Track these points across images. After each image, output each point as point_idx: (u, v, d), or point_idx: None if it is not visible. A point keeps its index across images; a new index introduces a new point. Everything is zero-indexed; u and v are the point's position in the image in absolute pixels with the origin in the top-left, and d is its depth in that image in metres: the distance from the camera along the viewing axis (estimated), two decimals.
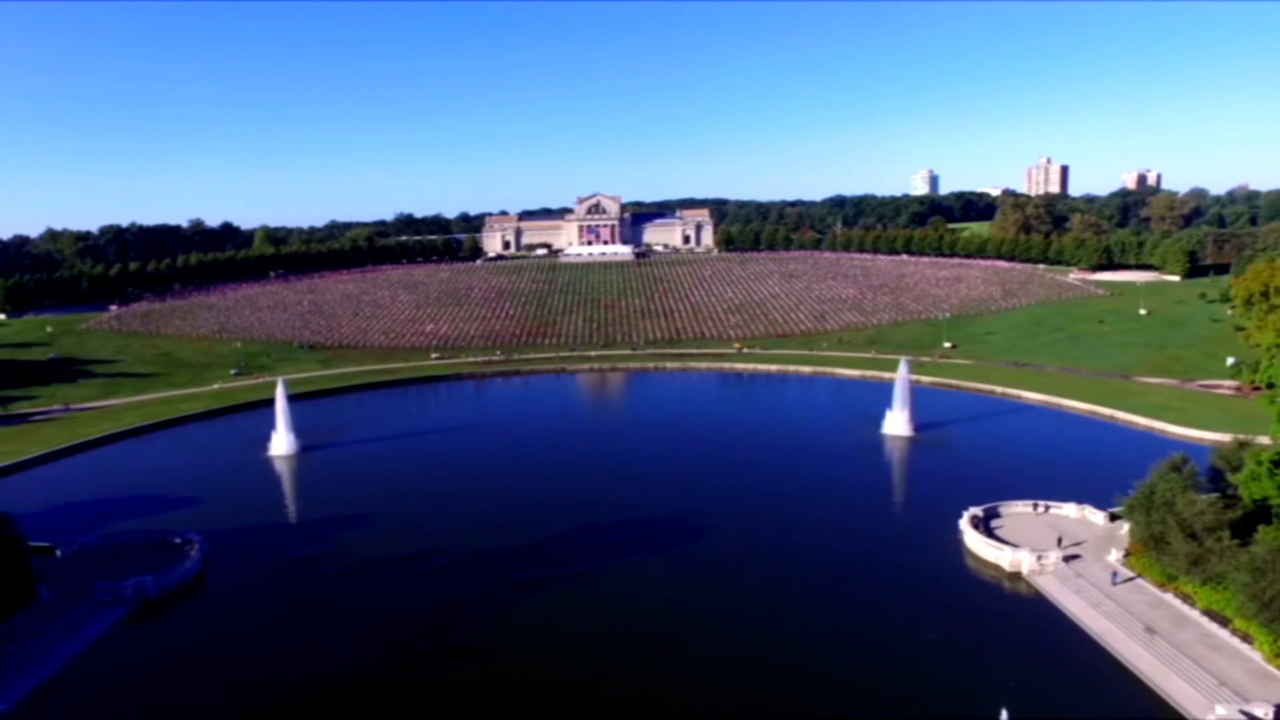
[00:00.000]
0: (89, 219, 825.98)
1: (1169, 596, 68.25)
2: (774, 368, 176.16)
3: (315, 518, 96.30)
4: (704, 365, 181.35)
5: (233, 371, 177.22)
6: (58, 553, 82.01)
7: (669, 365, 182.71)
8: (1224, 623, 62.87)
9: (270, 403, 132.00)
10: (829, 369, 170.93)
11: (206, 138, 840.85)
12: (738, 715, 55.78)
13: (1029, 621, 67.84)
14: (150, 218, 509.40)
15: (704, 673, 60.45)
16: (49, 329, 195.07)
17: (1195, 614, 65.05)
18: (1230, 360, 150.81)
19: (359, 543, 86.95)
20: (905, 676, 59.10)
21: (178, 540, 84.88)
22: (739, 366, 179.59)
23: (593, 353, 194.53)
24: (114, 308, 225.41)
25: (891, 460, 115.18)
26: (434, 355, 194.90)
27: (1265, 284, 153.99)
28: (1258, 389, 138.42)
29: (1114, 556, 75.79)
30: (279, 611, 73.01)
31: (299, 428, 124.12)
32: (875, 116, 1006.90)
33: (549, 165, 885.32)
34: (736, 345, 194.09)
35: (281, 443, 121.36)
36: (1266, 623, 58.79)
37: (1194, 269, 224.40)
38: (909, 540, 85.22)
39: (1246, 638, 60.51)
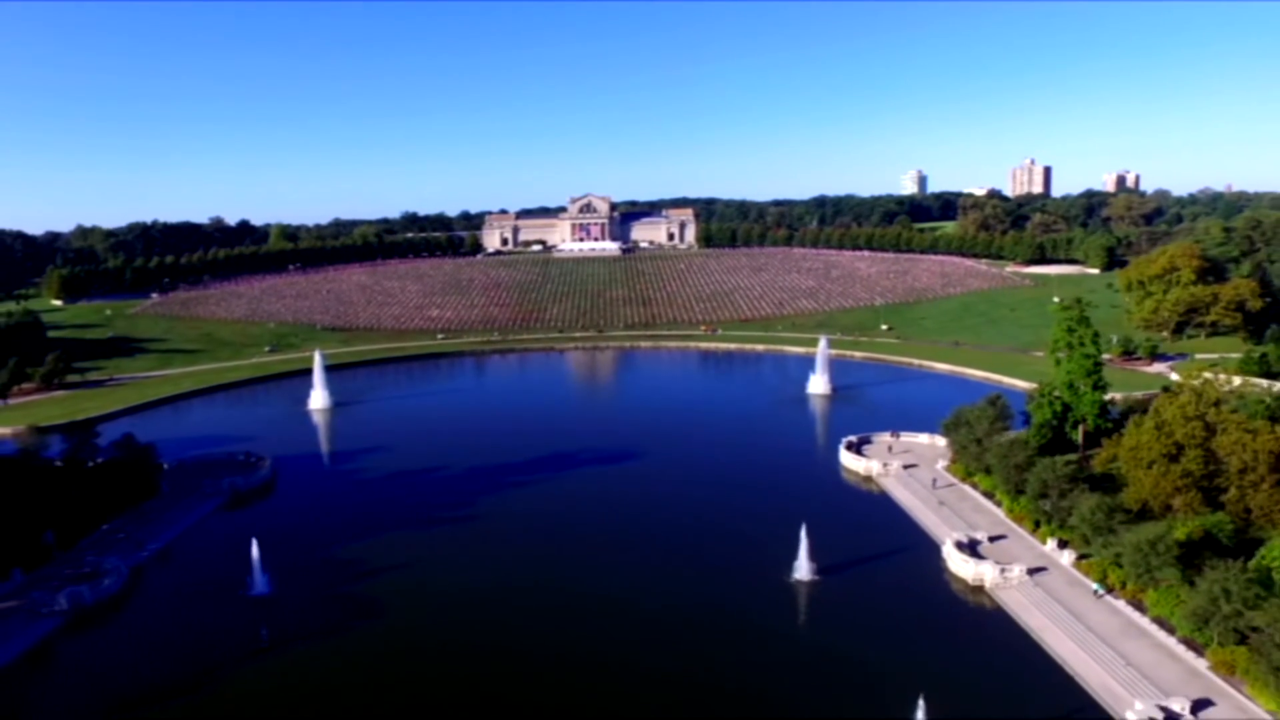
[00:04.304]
0: (99, 215, 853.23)
1: (965, 486, 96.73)
2: (733, 346, 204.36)
3: (351, 448, 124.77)
4: (673, 344, 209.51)
5: (266, 349, 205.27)
6: (165, 465, 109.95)
7: (643, 345, 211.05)
8: (990, 496, 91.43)
9: (302, 373, 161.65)
10: (779, 347, 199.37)
11: (215, 139, 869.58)
12: (659, 540, 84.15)
13: (864, 501, 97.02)
14: (155, 215, 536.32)
15: (633, 526, 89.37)
16: (108, 312, 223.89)
17: (975, 493, 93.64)
18: (1114, 338, 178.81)
19: (386, 462, 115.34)
20: (758, 527, 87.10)
21: (252, 459, 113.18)
22: (703, 345, 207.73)
23: (578, 334, 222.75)
24: (155, 295, 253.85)
25: (806, 410, 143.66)
26: (439, 336, 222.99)
27: (1141, 275, 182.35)
28: (1128, 357, 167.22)
29: (940, 465, 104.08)
30: (331, 500, 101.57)
31: (330, 390, 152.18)
32: (868, 118, 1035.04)
33: (547, 165, 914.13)
34: (703, 328, 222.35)
35: (319, 399, 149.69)
36: (1008, 490, 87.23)
37: (1113, 263, 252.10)
38: (800, 458, 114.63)
39: (999, 503, 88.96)
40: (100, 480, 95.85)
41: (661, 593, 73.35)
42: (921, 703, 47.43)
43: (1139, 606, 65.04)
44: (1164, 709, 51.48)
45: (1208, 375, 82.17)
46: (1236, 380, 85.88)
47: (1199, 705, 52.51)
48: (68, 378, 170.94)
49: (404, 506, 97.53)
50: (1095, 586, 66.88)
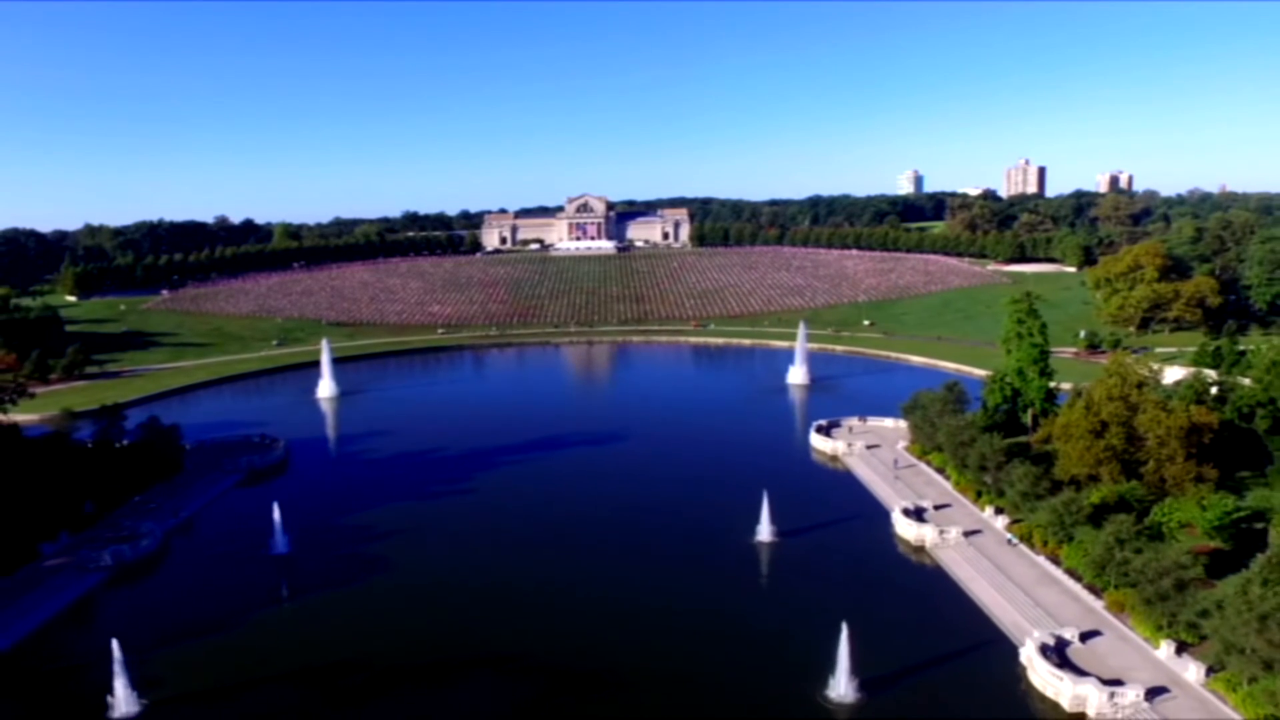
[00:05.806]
0: (105, 214, 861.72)
1: (921, 463, 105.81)
2: (721, 341, 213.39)
3: (357, 432, 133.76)
4: (663, 339, 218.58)
5: (274, 343, 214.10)
6: (187, 446, 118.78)
7: (635, 339, 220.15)
8: (941, 471, 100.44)
9: (309, 365, 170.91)
10: (764, 341, 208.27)
11: (218, 139, 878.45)
12: (641, 509, 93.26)
13: (828, 477, 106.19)
14: (161, 213, 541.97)
15: (617, 498, 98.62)
16: (122, 308, 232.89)
17: (929, 469, 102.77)
18: (1081, 333, 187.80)
19: (391, 444, 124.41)
20: (730, 498, 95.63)
21: (267, 440, 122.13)
22: (692, 340, 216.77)
23: (572, 329, 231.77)
24: (165, 292, 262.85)
25: (785, 398, 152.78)
26: (440, 331, 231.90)
27: (1109, 273, 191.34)
28: (1093, 350, 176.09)
29: (900, 445, 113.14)
30: (341, 477, 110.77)
31: (336, 380, 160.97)
32: (865, 119, 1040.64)
33: (545, 165, 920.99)
34: (693, 323, 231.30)
35: (326, 388, 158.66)
36: (956, 465, 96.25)
37: (1089, 261, 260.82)
38: (774, 440, 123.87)
39: (948, 477, 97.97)
40: (130, 458, 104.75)
41: (640, 552, 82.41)
42: (844, 627, 56.20)
43: (1055, 561, 74.07)
44: (1057, 637, 60.42)
45: (1127, 362, 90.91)
46: (1156, 366, 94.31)
47: (1088, 635, 61.52)
48: (87, 369, 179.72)
49: (408, 482, 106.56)
50: (1009, 537, 76.34)
